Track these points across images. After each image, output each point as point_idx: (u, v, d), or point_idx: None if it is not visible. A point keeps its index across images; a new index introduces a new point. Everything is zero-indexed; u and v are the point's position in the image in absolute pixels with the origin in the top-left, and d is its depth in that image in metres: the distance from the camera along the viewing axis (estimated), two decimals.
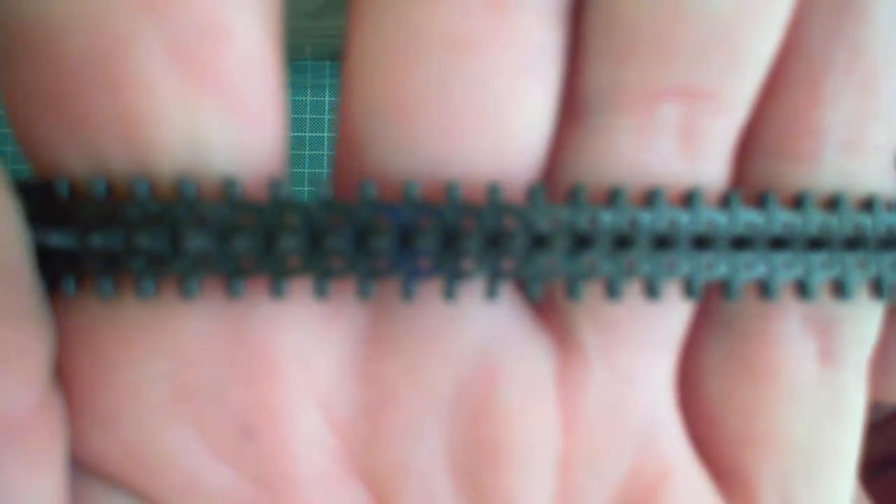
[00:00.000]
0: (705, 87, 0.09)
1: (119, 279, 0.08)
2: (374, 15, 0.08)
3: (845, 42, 0.09)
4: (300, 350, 0.09)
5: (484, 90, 0.08)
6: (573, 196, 0.09)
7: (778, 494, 0.10)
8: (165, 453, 0.09)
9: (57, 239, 0.08)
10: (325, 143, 0.45)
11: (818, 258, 0.09)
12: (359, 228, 0.08)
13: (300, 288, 0.09)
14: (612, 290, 0.09)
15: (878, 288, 0.09)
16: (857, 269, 0.09)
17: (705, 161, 0.09)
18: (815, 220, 0.09)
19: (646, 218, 0.09)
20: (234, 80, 0.08)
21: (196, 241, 0.08)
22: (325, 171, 0.45)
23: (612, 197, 0.09)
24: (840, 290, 0.09)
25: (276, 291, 0.08)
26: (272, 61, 0.08)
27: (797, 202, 0.09)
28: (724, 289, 0.09)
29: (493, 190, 0.08)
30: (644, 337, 0.10)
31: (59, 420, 0.09)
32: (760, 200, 0.09)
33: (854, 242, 0.09)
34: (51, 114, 0.08)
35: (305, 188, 0.45)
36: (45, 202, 0.08)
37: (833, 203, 0.09)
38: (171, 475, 0.09)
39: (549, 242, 0.08)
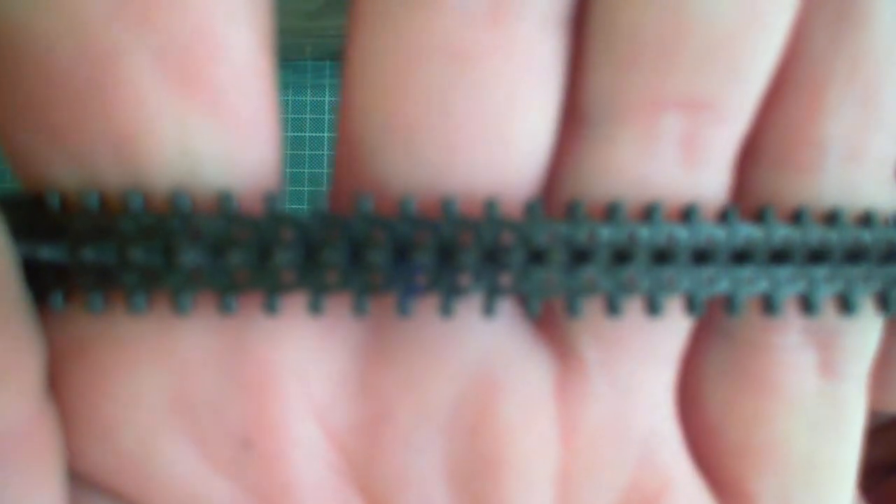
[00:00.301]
0: (707, 97, 0.09)
1: (111, 294, 0.08)
2: (373, 24, 0.08)
3: (846, 52, 0.09)
4: (298, 362, 0.09)
5: (484, 101, 0.08)
6: (571, 211, 0.08)
7: None
8: (163, 466, 0.09)
9: (48, 253, 0.08)
10: (325, 143, 0.45)
11: (821, 272, 0.09)
12: (354, 243, 0.08)
13: (296, 303, 0.08)
14: (612, 307, 0.09)
15: (883, 302, 0.09)
16: (862, 283, 0.09)
17: (707, 171, 0.09)
18: (816, 234, 0.09)
19: (644, 233, 0.09)
20: (225, 90, 0.08)
21: (190, 256, 0.08)
22: (325, 171, 0.45)
23: (611, 212, 0.09)
24: (845, 304, 0.09)
25: (270, 307, 0.08)
26: (263, 70, 0.08)
27: (797, 216, 0.09)
28: (726, 304, 0.09)
29: (490, 205, 0.08)
30: (645, 351, 0.10)
31: (56, 433, 0.08)
32: (759, 214, 0.09)
33: (855, 256, 0.09)
34: (39, 126, 0.08)
35: (305, 188, 0.45)
36: (35, 215, 0.08)
37: (833, 217, 0.09)
38: (170, 487, 0.09)
39: (547, 257, 0.08)
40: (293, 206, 0.45)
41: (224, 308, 0.08)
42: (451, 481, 0.09)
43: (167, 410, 0.09)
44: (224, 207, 0.08)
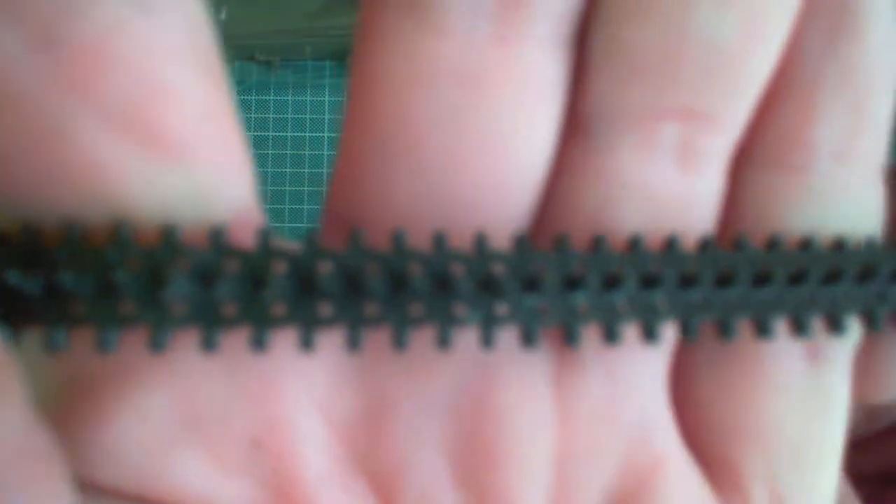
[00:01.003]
0: (705, 108, 0.09)
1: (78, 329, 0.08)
2: (383, 46, 0.08)
3: (839, 62, 0.09)
4: (298, 361, 0.09)
5: (491, 118, 0.08)
6: (559, 243, 0.09)
7: (765, 484, 0.10)
8: (178, 476, 0.09)
9: (24, 284, 0.08)
10: (325, 143, 0.45)
11: (804, 294, 0.09)
12: (347, 276, 0.08)
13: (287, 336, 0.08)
14: (609, 334, 0.09)
15: (870, 320, 0.10)
16: (844, 303, 0.09)
17: (703, 176, 0.09)
18: (795, 258, 0.09)
19: (631, 261, 0.09)
20: (184, 137, 0.08)
21: (181, 289, 0.08)
22: (325, 171, 0.45)
23: (597, 243, 0.09)
24: (833, 324, 0.09)
25: (258, 342, 0.08)
26: (220, 106, 0.08)
27: (773, 243, 0.09)
28: (719, 329, 0.09)
29: (480, 238, 0.08)
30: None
31: (53, 451, 0.08)
32: (738, 242, 0.09)
33: (835, 278, 0.09)
34: (12, 183, 0.08)
35: (305, 188, 0.45)
36: (16, 246, 0.08)
37: (809, 243, 0.09)
38: (187, 494, 0.09)
39: (539, 287, 0.08)
40: (293, 206, 0.45)
41: (208, 346, 0.08)
42: (452, 466, 0.10)
43: (175, 425, 0.09)
44: (216, 242, 0.08)
